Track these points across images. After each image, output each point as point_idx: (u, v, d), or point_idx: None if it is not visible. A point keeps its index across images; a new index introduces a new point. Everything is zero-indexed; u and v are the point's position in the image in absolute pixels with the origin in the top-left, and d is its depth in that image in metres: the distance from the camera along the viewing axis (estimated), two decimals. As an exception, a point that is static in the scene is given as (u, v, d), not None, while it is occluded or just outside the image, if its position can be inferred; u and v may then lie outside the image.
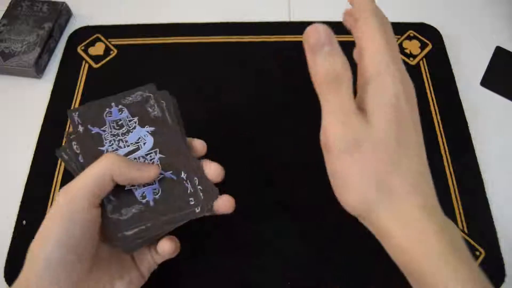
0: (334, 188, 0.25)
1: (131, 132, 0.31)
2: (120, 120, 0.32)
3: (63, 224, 0.26)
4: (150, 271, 0.32)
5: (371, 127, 0.24)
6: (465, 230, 0.38)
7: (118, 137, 0.31)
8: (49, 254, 0.26)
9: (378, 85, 0.24)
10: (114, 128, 0.31)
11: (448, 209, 0.39)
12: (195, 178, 0.30)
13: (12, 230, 0.38)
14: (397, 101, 0.24)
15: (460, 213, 0.39)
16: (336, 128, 0.24)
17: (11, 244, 0.38)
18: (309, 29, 0.24)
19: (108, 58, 0.49)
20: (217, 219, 0.35)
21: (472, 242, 0.37)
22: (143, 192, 0.29)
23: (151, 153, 0.31)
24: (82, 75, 0.48)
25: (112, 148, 0.30)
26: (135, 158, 0.30)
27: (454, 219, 0.39)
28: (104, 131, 0.31)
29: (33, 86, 0.48)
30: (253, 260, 0.37)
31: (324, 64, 0.24)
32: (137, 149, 0.31)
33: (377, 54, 0.25)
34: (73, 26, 0.52)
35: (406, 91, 0.25)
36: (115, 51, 0.50)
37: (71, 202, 0.27)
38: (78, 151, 0.30)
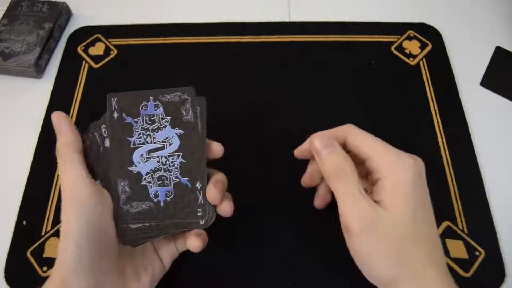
0: (358, 264, 0.28)
1: (161, 130, 0.31)
2: (154, 116, 0.32)
3: (77, 219, 0.27)
4: (172, 260, 0.34)
5: (386, 210, 0.27)
6: (465, 230, 0.38)
7: (148, 132, 0.31)
8: (77, 249, 0.27)
9: (392, 176, 0.28)
10: (146, 122, 0.31)
11: (448, 209, 0.39)
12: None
13: (12, 230, 0.39)
14: (413, 185, 0.28)
15: (460, 213, 0.39)
16: (350, 211, 0.27)
17: (11, 244, 0.38)
18: (312, 137, 0.31)
19: (108, 58, 0.49)
20: (217, 219, 0.35)
21: (472, 242, 0.37)
22: (157, 191, 0.30)
23: (174, 155, 0.31)
24: (82, 75, 0.48)
25: (139, 141, 0.31)
26: (157, 156, 0.30)
27: (454, 219, 0.39)
28: (136, 122, 0.31)
29: (33, 86, 0.48)
30: (253, 260, 0.37)
31: (329, 161, 0.29)
32: (162, 148, 0.31)
33: (383, 151, 0.29)
34: (73, 26, 0.52)
35: (418, 173, 0.28)
36: (115, 51, 0.50)
37: (74, 196, 0.28)
38: (105, 135, 0.31)
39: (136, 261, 0.31)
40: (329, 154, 0.29)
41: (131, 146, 0.31)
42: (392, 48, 0.49)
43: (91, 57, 0.49)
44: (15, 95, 0.47)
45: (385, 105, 0.45)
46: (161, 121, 0.32)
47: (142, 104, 0.32)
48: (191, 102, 0.32)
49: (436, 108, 0.45)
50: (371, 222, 0.26)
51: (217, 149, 0.33)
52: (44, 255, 0.37)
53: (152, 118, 0.32)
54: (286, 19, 0.52)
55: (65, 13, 0.52)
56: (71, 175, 0.28)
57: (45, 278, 0.36)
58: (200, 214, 0.30)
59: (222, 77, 0.47)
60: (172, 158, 0.31)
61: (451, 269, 0.36)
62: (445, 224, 0.38)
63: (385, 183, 0.28)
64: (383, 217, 0.26)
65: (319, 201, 0.36)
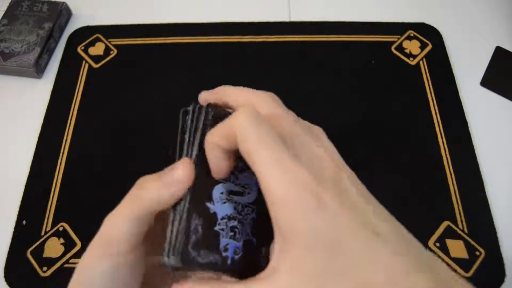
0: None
1: (244, 173, 0.25)
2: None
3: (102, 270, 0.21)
4: None
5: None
6: (465, 230, 0.38)
7: (233, 169, 0.25)
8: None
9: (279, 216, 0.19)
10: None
11: (448, 209, 0.39)
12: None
13: (12, 230, 0.38)
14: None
15: (460, 213, 0.39)
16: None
17: (11, 244, 0.38)
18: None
19: (108, 58, 0.49)
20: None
21: (472, 242, 0.37)
22: (227, 244, 0.23)
23: (250, 207, 0.25)
24: (82, 75, 0.48)
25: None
26: (235, 202, 0.24)
27: (454, 219, 0.39)
28: None
29: (33, 86, 0.48)
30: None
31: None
32: (241, 193, 0.25)
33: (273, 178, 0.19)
34: (73, 26, 0.52)
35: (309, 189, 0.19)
36: (115, 51, 0.50)
37: (108, 246, 0.21)
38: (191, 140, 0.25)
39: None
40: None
41: (216, 177, 0.24)
42: (392, 48, 0.49)
43: (91, 57, 0.49)
44: (15, 95, 0.47)
45: (385, 105, 0.45)
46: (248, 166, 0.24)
47: None
48: None
49: (436, 108, 0.45)
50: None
51: None
52: (44, 255, 0.37)
53: (242, 158, 0.23)
54: (286, 19, 0.52)
55: (65, 13, 0.52)
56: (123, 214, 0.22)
57: (45, 278, 0.36)
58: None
59: (222, 77, 0.47)
60: (247, 210, 0.25)
61: (451, 269, 0.36)
62: (445, 224, 0.38)
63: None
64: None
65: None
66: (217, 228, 0.23)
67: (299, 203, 0.18)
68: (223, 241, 0.23)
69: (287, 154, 0.19)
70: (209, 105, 0.25)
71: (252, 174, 0.22)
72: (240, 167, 0.25)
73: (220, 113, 0.25)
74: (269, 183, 0.19)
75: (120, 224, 0.21)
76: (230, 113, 0.25)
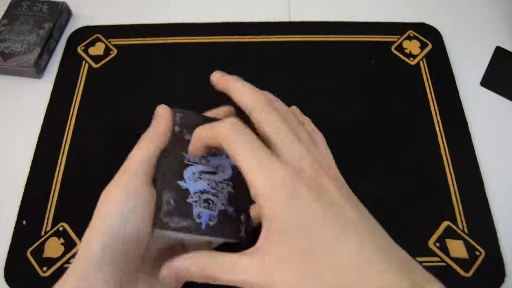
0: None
1: (216, 156, 0.31)
2: None
3: (116, 210, 0.26)
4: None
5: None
6: (465, 230, 0.38)
7: (204, 154, 0.30)
8: (103, 244, 0.25)
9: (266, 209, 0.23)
10: None
11: (448, 209, 0.39)
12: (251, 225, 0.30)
13: (12, 230, 0.38)
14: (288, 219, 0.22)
15: (460, 213, 0.39)
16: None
17: (11, 244, 0.38)
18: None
19: (108, 58, 0.49)
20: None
21: (472, 242, 0.37)
22: (200, 213, 0.29)
23: (224, 183, 0.30)
24: (82, 75, 0.48)
25: (194, 159, 0.30)
26: (208, 179, 0.30)
27: (454, 219, 0.39)
28: None
29: (33, 86, 0.48)
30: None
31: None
32: (214, 172, 0.30)
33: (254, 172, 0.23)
34: (73, 26, 0.52)
35: (294, 191, 0.22)
36: (115, 51, 0.50)
37: (124, 185, 0.27)
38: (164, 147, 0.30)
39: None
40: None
41: (185, 162, 0.30)
42: (392, 48, 0.49)
43: (91, 57, 0.49)
44: (15, 95, 0.47)
45: (385, 105, 0.45)
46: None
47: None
48: None
49: (436, 108, 0.45)
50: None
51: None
52: (44, 255, 0.37)
53: None
54: (286, 19, 0.52)
55: (65, 13, 0.52)
56: (147, 151, 0.28)
57: (45, 278, 0.36)
58: (237, 242, 0.29)
59: (222, 77, 0.47)
60: (222, 186, 0.30)
61: (451, 269, 0.36)
62: (445, 224, 0.38)
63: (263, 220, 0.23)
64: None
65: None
66: (189, 200, 0.29)
67: (275, 195, 0.22)
68: (196, 210, 0.28)
69: (266, 154, 0.23)
70: (177, 110, 0.31)
71: (226, 157, 0.30)
72: (212, 152, 0.31)
73: (191, 116, 0.32)
74: (251, 179, 0.23)
75: (137, 161, 0.28)
76: (198, 117, 0.32)
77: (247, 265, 0.23)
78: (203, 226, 0.28)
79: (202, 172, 0.30)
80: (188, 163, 0.30)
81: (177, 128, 0.31)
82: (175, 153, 0.30)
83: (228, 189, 0.30)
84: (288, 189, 0.22)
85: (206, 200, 0.29)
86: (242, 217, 0.30)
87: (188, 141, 0.30)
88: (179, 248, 0.31)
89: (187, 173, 0.30)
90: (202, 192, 0.29)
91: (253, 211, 0.29)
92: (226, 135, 0.24)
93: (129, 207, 0.26)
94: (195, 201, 0.29)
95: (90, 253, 0.25)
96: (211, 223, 0.28)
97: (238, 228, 0.29)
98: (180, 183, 0.29)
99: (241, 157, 0.23)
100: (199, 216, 0.28)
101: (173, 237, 0.28)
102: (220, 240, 0.29)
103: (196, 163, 0.30)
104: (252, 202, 0.28)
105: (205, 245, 0.31)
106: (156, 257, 0.29)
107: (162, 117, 0.30)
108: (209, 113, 0.33)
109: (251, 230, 0.29)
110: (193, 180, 0.30)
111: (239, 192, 0.30)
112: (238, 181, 0.30)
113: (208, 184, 0.30)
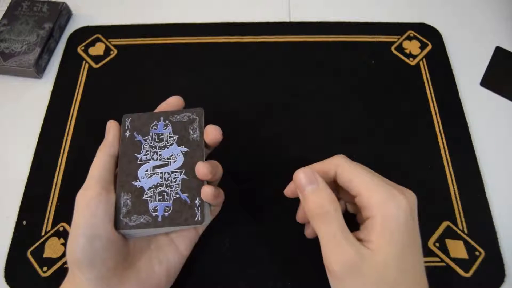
0: None
1: (167, 147, 0.33)
2: (162, 134, 0.33)
3: (84, 215, 0.29)
4: (193, 244, 0.34)
5: (372, 251, 0.26)
6: (465, 230, 0.38)
7: (155, 149, 0.33)
8: (82, 246, 0.28)
9: (381, 216, 0.27)
10: (155, 140, 0.33)
11: (448, 209, 0.39)
12: (206, 206, 0.32)
13: (12, 230, 0.39)
14: (403, 227, 0.27)
15: (460, 213, 0.39)
16: (332, 253, 0.26)
17: (11, 244, 0.38)
18: (296, 173, 0.29)
19: (108, 58, 0.49)
20: (219, 219, 0.35)
21: (472, 242, 0.37)
22: (156, 206, 0.31)
23: (177, 172, 0.32)
24: (82, 75, 0.48)
25: (146, 157, 0.33)
26: (161, 172, 0.32)
27: (454, 219, 0.39)
28: (145, 140, 0.33)
29: (33, 86, 0.48)
30: (254, 259, 0.37)
31: (312, 200, 0.28)
32: (166, 164, 0.32)
33: (373, 188, 0.28)
34: (73, 26, 0.52)
35: (409, 213, 0.27)
36: (115, 51, 0.50)
37: (86, 192, 0.30)
38: (116, 153, 0.33)
39: (151, 256, 0.32)
40: (312, 192, 0.28)
41: (138, 162, 0.32)
42: (392, 48, 0.49)
43: (91, 57, 0.49)
44: (15, 95, 0.47)
45: (385, 105, 0.45)
46: (169, 139, 0.33)
47: (153, 124, 0.34)
48: (198, 122, 0.34)
49: (436, 108, 0.45)
50: (353, 266, 0.26)
51: (212, 132, 0.32)
52: (44, 255, 0.37)
53: (160, 137, 0.33)
54: (286, 19, 0.52)
55: (65, 13, 0.52)
56: (101, 160, 0.32)
57: (45, 278, 0.36)
58: (195, 226, 0.32)
59: (222, 77, 0.47)
60: (175, 175, 0.32)
61: (451, 269, 0.36)
62: (445, 224, 0.38)
63: (373, 223, 0.27)
64: (367, 260, 0.26)
65: (310, 235, 0.35)
66: (145, 197, 0.31)
67: (392, 215, 0.27)
68: (152, 204, 0.31)
69: (376, 177, 0.28)
70: (128, 115, 0.35)
71: (178, 146, 0.33)
72: (162, 145, 0.33)
73: (140, 117, 0.34)
74: (367, 197, 0.27)
75: (94, 169, 0.32)
76: (147, 115, 0.34)
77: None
78: (159, 218, 0.31)
79: (154, 167, 0.32)
80: (141, 162, 0.32)
81: (127, 133, 0.34)
82: (128, 156, 0.33)
83: (182, 176, 0.32)
84: (405, 213, 0.27)
85: (160, 193, 0.31)
86: (196, 201, 0.31)
87: (139, 141, 0.33)
88: (167, 236, 0.34)
89: (141, 172, 0.32)
90: (156, 186, 0.32)
91: (308, 227, 0.35)
92: (341, 164, 0.29)
93: (92, 211, 0.29)
94: (150, 197, 0.31)
95: (71, 257, 0.28)
96: (167, 214, 0.31)
97: (194, 213, 0.31)
98: (135, 183, 0.32)
99: (356, 180, 0.28)
100: (155, 210, 0.31)
101: (136, 234, 0.31)
102: (178, 228, 0.32)
103: (148, 160, 0.32)
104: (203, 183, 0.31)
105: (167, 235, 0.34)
106: (142, 250, 0.32)
107: (110, 128, 0.34)
108: (159, 107, 0.35)
109: (208, 211, 0.32)
110: (146, 177, 0.32)
111: (191, 176, 0.32)
112: (189, 166, 0.32)
113: (161, 177, 0.32)
